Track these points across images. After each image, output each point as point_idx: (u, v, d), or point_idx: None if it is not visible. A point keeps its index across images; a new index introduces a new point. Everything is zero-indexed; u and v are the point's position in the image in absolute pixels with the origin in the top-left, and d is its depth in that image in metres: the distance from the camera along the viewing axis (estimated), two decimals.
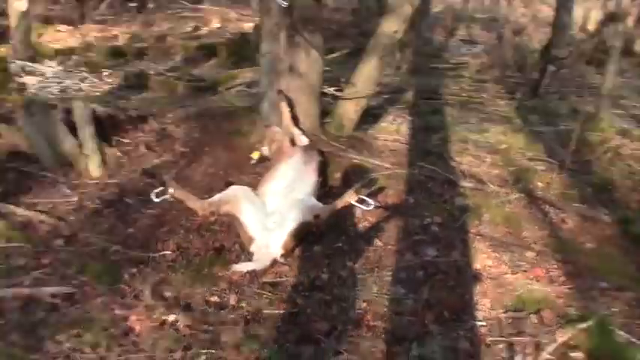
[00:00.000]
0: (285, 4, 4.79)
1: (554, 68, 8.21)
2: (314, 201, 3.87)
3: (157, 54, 9.71)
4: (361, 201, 3.74)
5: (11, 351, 2.70)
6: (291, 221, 3.60)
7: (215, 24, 13.29)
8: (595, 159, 5.50)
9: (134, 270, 3.40)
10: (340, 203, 3.76)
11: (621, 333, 2.97)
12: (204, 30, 12.75)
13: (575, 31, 11.65)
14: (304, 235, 3.72)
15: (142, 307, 3.04)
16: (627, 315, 3.16)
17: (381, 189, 4.50)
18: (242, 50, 9.75)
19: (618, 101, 7.60)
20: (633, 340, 2.92)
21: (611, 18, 10.17)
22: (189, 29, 12.68)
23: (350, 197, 3.74)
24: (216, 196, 3.76)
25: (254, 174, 4.69)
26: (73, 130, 4.72)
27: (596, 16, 12.34)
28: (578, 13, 11.43)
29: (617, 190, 4.83)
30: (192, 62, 9.76)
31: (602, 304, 3.24)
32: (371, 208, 3.75)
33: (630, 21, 11.81)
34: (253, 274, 3.44)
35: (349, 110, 5.55)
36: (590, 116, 6.52)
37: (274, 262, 3.54)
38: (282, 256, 3.57)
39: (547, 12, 12.08)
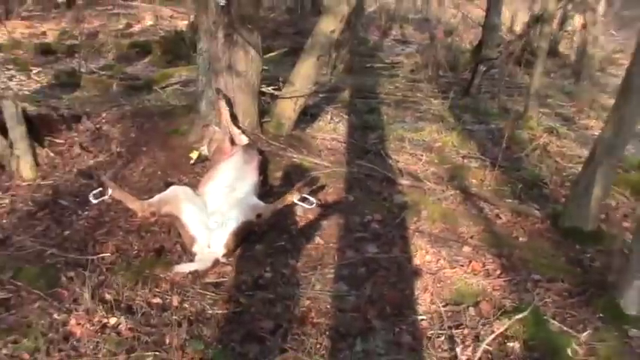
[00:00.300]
0: (222, 2, 4.77)
1: (485, 68, 8.47)
2: (256, 200, 3.88)
3: (88, 52, 9.45)
4: (303, 199, 3.79)
5: None
6: (232, 220, 3.59)
7: (148, 21, 13.06)
8: (525, 156, 5.72)
9: (72, 273, 3.31)
10: (282, 202, 3.79)
11: (554, 322, 3.10)
12: (136, 27, 12.51)
13: (504, 33, 12.04)
14: (246, 235, 3.73)
15: (82, 311, 2.97)
16: (559, 305, 3.30)
17: (322, 187, 4.55)
18: (177, 48, 9.62)
19: (545, 100, 7.92)
20: (565, 328, 3.05)
21: (537, 20, 10.53)
22: (121, 27, 12.41)
23: (292, 196, 3.78)
24: (156, 197, 3.72)
25: (193, 174, 4.66)
26: (3, 130, 4.55)
27: (522, 18, 12.76)
28: (506, 15, 11.81)
29: (547, 186, 5.04)
30: (125, 60, 9.57)
31: (535, 295, 3.37)
32: (313, 206, 3.82)
33: (555, 23, 12.31)
34: (195, 275, 3.41)
35: (288, 109, 5.57)
36: (520, 115, 6.77)
37: (216, 262, 3.52)
38: (224, 255, 3.55)
39: (477, 13, 12.41)
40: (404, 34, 13.88)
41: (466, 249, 3.91)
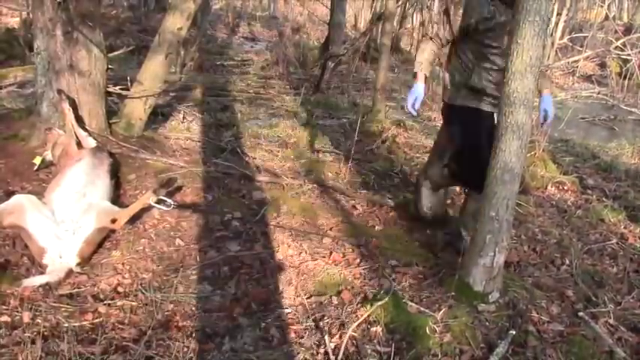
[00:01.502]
0: None
1: (333, 64, 8.71)
2: (108, 204, 3.71)
3: None
4: (159, 201, 3.68)
5: None
6: (85, 228, 3.41)
7: None
8: (376, 148, 5.96)
9: None
10: (138, 205, 3.67)
11: (412, 304, 3.26)
12: None
13: (348, 30, 12.44)
14: (101, 241, 3.55)
15: None
16: (415, 288, 3.48)
17: (179, 188, 4.44)
18: (9, 48, 8.95)
19: (391, 94, 8.29)
20: (422, 309, 3.22)
21: (379, 18, 10.99)
22: None
23: (148, 198, 3.66)
24: None
25: (38, 180, 4.35)
26: None
27: (365, 16, 13.25)
28: (349, 12, 12.21)
29: (397, 176, 5.28)
30: None
31: (392, 281, 3.52)
32: (170, 208, 3.73)
33: (395, 21, 12.92)
34: (47, 288, 3.20)
35: (137, 109, 5.37)
36: (368, 109, 7.03)
37: (70, 273, 3.32)
38: (78, 264, 3.36)
39: (322, 11, 12.72)
40: (252, 31, 13.91)
41: (326, 241, 4.00)
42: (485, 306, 3.29)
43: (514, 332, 3.06)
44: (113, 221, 3.53)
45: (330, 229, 4.19)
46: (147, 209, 3.88)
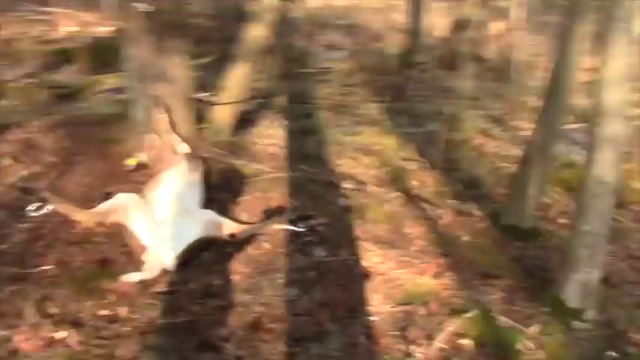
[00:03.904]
0: (148, 8, 4.67)
1: (416, 72, 8.65)
2: (220, 217, 3.80)
3: (7, 59, 9.04)
4: (291, 223, 3.81)
5: None
6: (188, 233, 3.53)
7: (68, 28, 12.63)
8: (462, 157, 5.87)
9: (12, 288, 3.17)
10: (262, 226, 3.84)
11: (502, 318, 3.19)
12: (56, 34, 12.07)
13: (429, 37, 12.32)
14: (203, 248, 3.67)
15: (27, 326, 2.85)
16: (505, 301, 3.41)
17: (310, 216, 4.32)
18: (104, 55, 9.34)
19: (476, 103, 8.14)
20: (513, 323, 3.15)
21: (459, 26, 10.85)
22: (39, 33, 11.94)
23: (278, 223, 3.83)
24: (102, 206, 3.60)
25: (132, 182, 4.52)
26: None
27: (441, 23, 13.09)
28: (429, 20, 12.05)
29: (484, 186, 5.19)
30: (49, 68, 9.21)
31: (482, 293, 3.46)
32: (303, 230, 3.83)
33: (476, 29, 12.70)
34: (143, 285, 3.33)
35: (226, 115, 5.52)
36: (454, 117, 6.94)
37: (165, 272, 3.44)
38: (175, 266, 3.48)
39: (398, 19, 12.65)
40: (333, 39, 13.97)
41: (412, 250, 3.97)
42: (580, 324, 3.18)
43: (614, 354, 2.93)
44: (232, 236, 3.65)
45: (416, 238, 4.15)
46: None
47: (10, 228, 3.84)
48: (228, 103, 5.47)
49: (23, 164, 4.78)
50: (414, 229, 4.28)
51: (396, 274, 3.65)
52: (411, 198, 4.76)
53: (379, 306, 3.33)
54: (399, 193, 4.80)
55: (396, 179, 5.11)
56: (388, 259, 3.81)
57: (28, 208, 3.56)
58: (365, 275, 3.61)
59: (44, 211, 3.53)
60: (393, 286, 3.52)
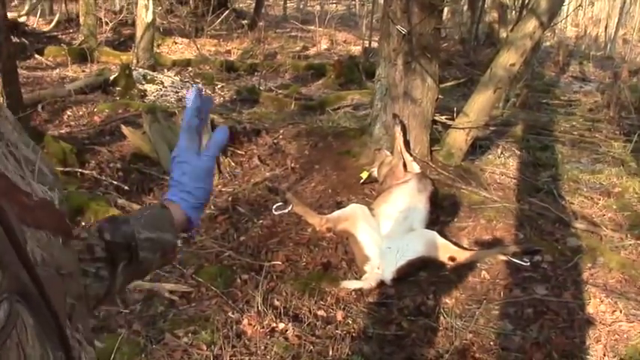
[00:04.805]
0: (404, 31, 4.86)
1: None
2: (444, 240, 3.85)
3: (267, 71, 10.01)
4: (514, 255, 3.79)
5: (135, 339, 2.86)
6: (411, 250, 3.63)
7: (323, 45, 13.57)
8: None
9: (246, 276, 3.53)
10: (483, 255, 3.85)
11: None
12: (312, 50, 13.05)
13: None
14: (421, 267, 3.74)
15: (254, 313, 3.15)
16: None
17: (537, 251, 4.16)
18: (350, 72, 9.89)
19: None
20: None
21: None
22: (298, 49, 12.99)
23: (501, 254, 3.83)
24: (335, 213, 3.87)
25: (362, 194, 4.75)
26: None
27: None
28: None
29: None
30: (300, 81, 10.01)
31: None
32: (526, 264, 3.77)
33: None
34: (359, 293, 3.49)
35: (459, 140, 5.53)
36: None
37: (382, 284, 3.57)
38: (392, 280, 3.59)
39: None
40: (583, 71, 13.22)
41: None
42: None
43: None
44: (452, 259, 3.71)
45: None
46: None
47: (250, 222, 4.27)
48: (464, 128, 5.46)
49: (268, 166, 5.27)
50: None
51: (624, 327, 3.36)
52: None
53: (600, 357, 3.11)
54: (637, 242, 4.41)
55: (635, 226, 4.69)
56: (617, 310, 3.52)
57: (274, 207, 3.93)
58: (588, 322, 3.39)
59: (286, 210, 3.87)
60: (619, 339, 3.25)
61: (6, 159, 0.63)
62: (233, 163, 5.20)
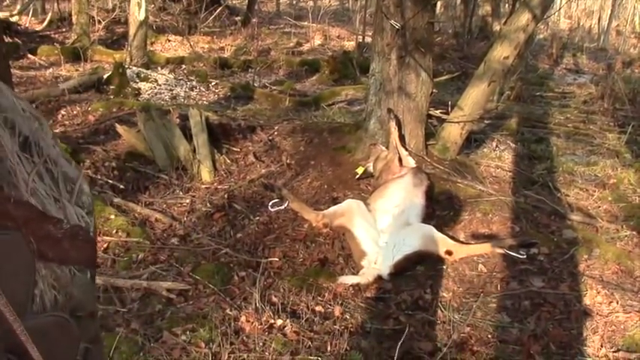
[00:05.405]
0: (398, 25, 4.86)
1: None
2: (440, 234, 3.88)
3: (261, 67, 9.99)
4: (510, 249, 3.81)
5: (133, 338, 2.86)
6: (408, 245, 3.63)
7: (317, 41, 13.55)
8: None
9: (243, 273, 3.54)
10: (478, 249, 3.84)
11: None
12: (306, 46, 13.03)
13: None
14: (418, 261, 3.75)
15: (251, 310, 3.15)
16: None
17: (534, 244, 4.17)
18: (343, 68, 9.89)
19: None
20: None
21: None
22: (291, 45, 12.98)
23: (497, 247, 3.85)
24: (332, 209, 3.88)
25: (358, 190, 4.76)
26: (186, 135, 4.95)
27: None
28: None
29: None
30: (294, 77, 10.00)
31: None
32: (523, 257, 3.79)
33: None
34: (357, 288, 3.49)
35: (454, 134, 5.53)
36: None
37: (379, 279, 3.58)
38: (389, 274, 3.60)
39: None
40: (577, 63, 13.23)
41: None
42: None
43: None
44: (449, 253, 3.72)
45: None
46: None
47: (246, 219, 4.27)
48: (459, 122, 5.46)
49: (263, 163, 5.27)
50: None
51: (621, 318, 3.38)
52: None
53: (597, 348, 3.12)
54: (633, 232, 4.43)
55: (631, 217, 4.71)
56: (613, 301, 3.53)
57: (270, 203, 3.94)
58: (585, 313, 3.40)
59: (282, 207, 3.87)
60: (616, 330, 3.27)
61: (40, 179, 0.58)
62: (228, 161, 5.19)
